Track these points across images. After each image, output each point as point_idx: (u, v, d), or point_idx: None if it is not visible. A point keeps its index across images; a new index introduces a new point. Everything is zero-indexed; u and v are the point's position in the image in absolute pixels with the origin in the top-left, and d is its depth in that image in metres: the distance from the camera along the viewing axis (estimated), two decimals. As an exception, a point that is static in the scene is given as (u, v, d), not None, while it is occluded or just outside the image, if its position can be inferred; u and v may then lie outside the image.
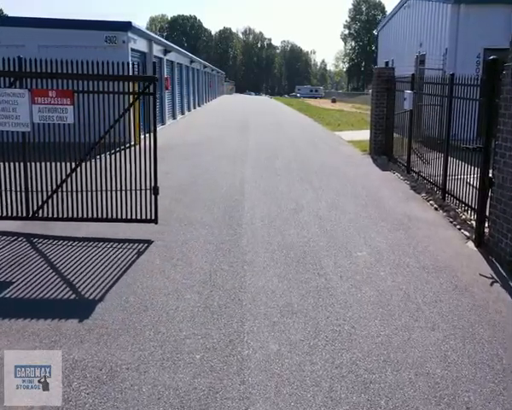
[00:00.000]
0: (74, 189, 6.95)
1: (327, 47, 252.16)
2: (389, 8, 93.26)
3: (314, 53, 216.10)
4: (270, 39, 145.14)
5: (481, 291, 5.25)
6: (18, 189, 6.92)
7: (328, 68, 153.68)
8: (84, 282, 5.27)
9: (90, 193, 6.94)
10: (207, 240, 6.69)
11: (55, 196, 6.95)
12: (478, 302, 4.98)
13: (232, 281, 5.40)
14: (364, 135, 16.77)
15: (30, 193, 6.94)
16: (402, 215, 8.04)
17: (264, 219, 7.63)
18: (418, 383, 3.68)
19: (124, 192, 6.95)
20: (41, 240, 6.52)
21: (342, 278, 5.53)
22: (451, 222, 7.70)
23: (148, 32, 20.63)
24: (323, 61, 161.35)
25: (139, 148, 6.86)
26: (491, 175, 6.46)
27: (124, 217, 6.97)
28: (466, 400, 3.52)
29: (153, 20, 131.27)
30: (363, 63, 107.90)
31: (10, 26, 15.62)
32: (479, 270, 5.81)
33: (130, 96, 6.92)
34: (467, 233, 7.06)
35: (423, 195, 9.41)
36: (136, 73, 7.17)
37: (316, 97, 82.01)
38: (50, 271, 5.54)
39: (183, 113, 29.41)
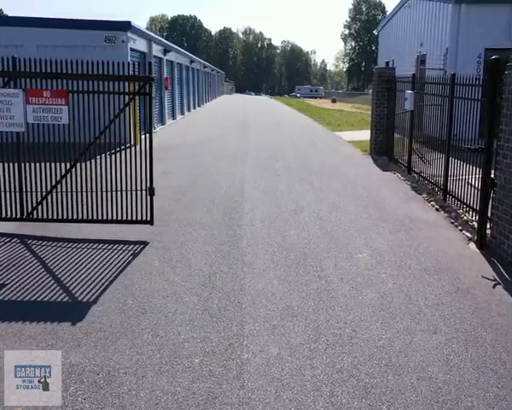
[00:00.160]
0: (69, 190, 6.89)
1: (327, 47, 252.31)
2: (389, 8, 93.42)
3: (314, 53, 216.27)
4: (270, 39, 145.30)
5: (484, 294, 5.19)
6: (12, 190, 6.86)
7: (328, 68, 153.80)
8: (80, 284, 5.21)
9: (85, 194, 6.89)
10: (207, 241, 6.63)
11: (49, 197, 6.88)
12: (480, 305, 4.93)
13: (232, 283, 5.34)
14: (365, 135, 16.72)
15: (24, 194, 6.88)
16: (403, 216, 7.98)
17: (264, 220, 7.57)
18: (420, 387, 3.62)
19: (119, 193, 6.89)
20: (36, 241, 6.45)
21: (343, 280, 5.47)
22: (453, 223, 7.64)
23: (147, 31, 20.57)
24: (323, 61, 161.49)
25: (138, 148, 6.80)
26: (493, 176, 6.40)
27: (119, 218, 6.91)
28: (469, 405, 3.46)
29: (153, 20, 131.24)
30: (364, 63, 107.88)
31: (9, 25, 15.57)
32: (481, 272, 5.76)
33: (126, 97, 6.86)
34: (468, 234, 7.00)
35: (424, 195, 9.35)
36: (136, 72, 7.10)
37: (316, 97, 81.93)
38: (46, 273, 5.48)
39: (182, 113, 29.35)
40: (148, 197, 6.91)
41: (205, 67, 45.34)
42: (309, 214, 7.98)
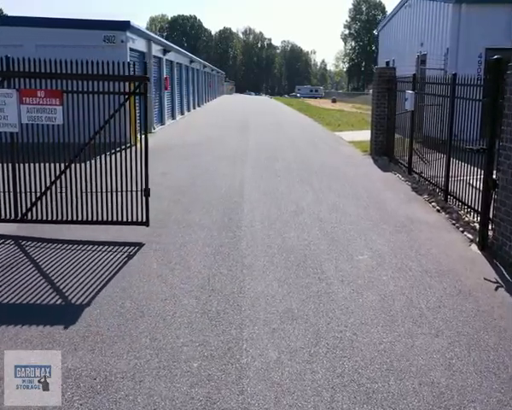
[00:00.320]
0: (64, 191, 6.81)
1: (327, 47, 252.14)
2: (389, 8, 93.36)
3: (314, 53, 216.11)
4: (270, 39, 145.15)
5: (486, 296, 5.13)
6: (6, 190, 6.79)
7: (328, 68, 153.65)
8: (77, 286, 5.15)
9: (80, 195, 6.82)
10: (206, 243, 6.57)
11: (44, 198, 6.81)
12: (482, 308, 4.87)
13: (231, 286, 5.28)
14: (365, 135, 16.66)
15: (19, 195, 6.81)
16: (404, 217, 7.92)
17: (263, 222, 7.52)
18: (422, 392, 3.56)
19: (115, 194, 6.83)
20: (30, 243, 6.39)
21: (343, 282, 5.41)
22: (454, 224, 7.58)
23: (146, 31, 20.52)
24: (323, 61, 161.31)
25: (135, 149, 6.74)
26: (494, 177, 6.35)
27: (115, 219, 6.84)
28: (472, 411, 3.40)
29: (153, 20, 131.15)
30: (364, 63, 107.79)
31: (8, 25, 15.55)
32: (483, 274, 5.70)
33: (122, 97, 6.79)
34: (470, 236, 6.94)
35: (425, 196, 9.29)
36: (133, 72, 7.04)
37: (316, 97, 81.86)
38: (42, 275, 5.41)
39: (182, 113, 29.29)
40: (144, 198, 6.85)
41: (204, 66, 45.29)
42: (309, 215, 7.92)
